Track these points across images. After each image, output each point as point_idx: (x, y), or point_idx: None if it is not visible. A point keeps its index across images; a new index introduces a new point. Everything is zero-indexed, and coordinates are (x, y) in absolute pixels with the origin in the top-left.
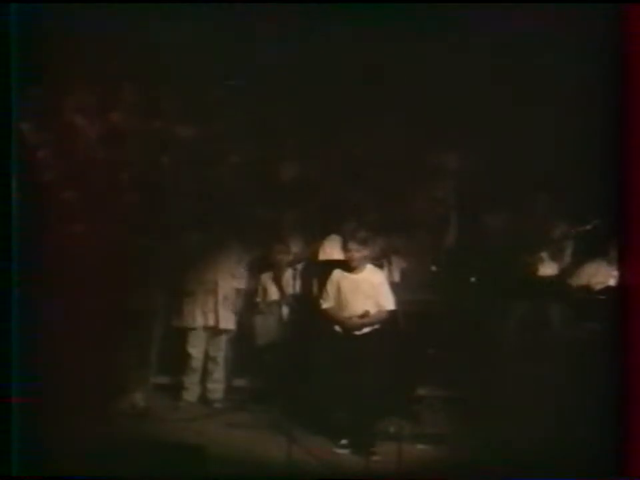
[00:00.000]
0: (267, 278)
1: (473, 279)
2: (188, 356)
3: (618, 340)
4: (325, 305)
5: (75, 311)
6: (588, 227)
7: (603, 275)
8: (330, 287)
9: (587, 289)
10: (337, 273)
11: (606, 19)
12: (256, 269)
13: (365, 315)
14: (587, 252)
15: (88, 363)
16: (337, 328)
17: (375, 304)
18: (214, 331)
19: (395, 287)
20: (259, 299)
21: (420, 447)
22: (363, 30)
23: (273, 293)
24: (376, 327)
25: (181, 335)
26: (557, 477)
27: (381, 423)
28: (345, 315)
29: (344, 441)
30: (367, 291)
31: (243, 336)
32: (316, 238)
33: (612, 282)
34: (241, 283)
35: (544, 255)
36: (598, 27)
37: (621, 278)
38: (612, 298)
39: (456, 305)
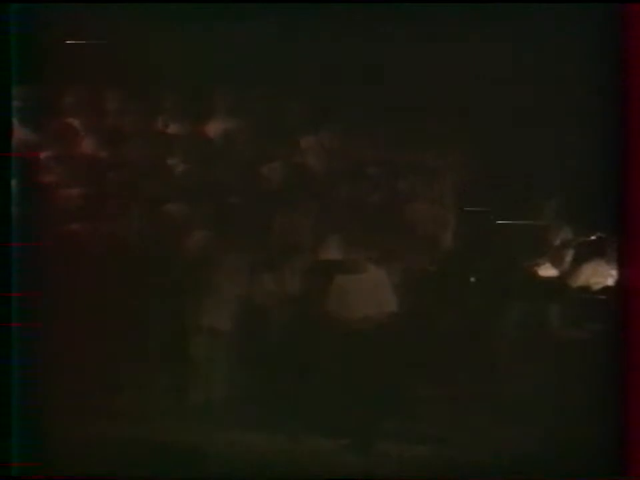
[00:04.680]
0: (267, 278)
1: (472, 279)
2: (187, 356)
3: (618, 340)
4: (327, 304)
5: (75, 311)
6: (591, 234)
7: (602, 275)
8: (332, 287)
9: (587, 289)
10: (342, 272)
11: (606, 19)
12: (256, 269)
13: (366, 318)
14: (588, 252)
15: (89, 362)
16: (337, 328)
17: (376, 305)
18: (214, 332)
19: (394, 287)
20: (258, 300)
21: (420, 446)
22: (363, 29)
23: (273, 293)
24: (376, 327)
25: (182, 336)
26: (557, 476)
27: (380, 423)
28: (345, 316)
29: (344, 441)
30: (368, 291)
31: (242, 336)
32: (316, 238)
33: (612, 282)
34: (241, 284)
35: (544, 255)
36: (598, 27)
37: (621, 278)
38: (612, 298)
39: (456, 304)
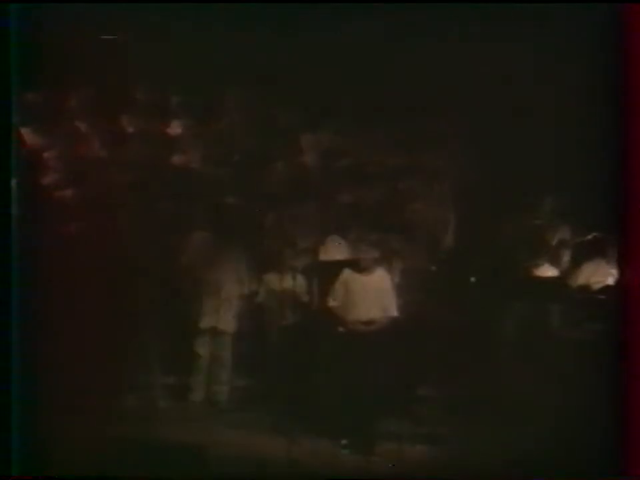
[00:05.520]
0: (271, 278)
1: (472, 279)
2: (189, 356)
3: (618, 340)
4: (332, 303)
5: (75, 311)
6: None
7: (602, 275)
8: (338, 286)
9: (586, 289)
10: (346, 273)
11: (606, 19)
12: (260, 270)
13: (371, 322)
14: (587, 252)
15: (88, 362)
16: (339, 328)
17: (380, 308)
18: (216, 332)
19: (395, 287)
20: (262, 300)
21: (420, 446)
22: (364, 30)
23: (276, 294)
24: (377, 327)
25: (183, 336)
26: (557, 477)
27: (380, 423)
28: (350, 317)
29: (344, 441)
30: (375, 294)
31: (244, 336)
32: (320, 238)
33: (612, 282)
34: (245, 284)
35: (544, 255)
36: (598, 27)
37: (621, 278)
38: (612, 298)
39: (456, 305)
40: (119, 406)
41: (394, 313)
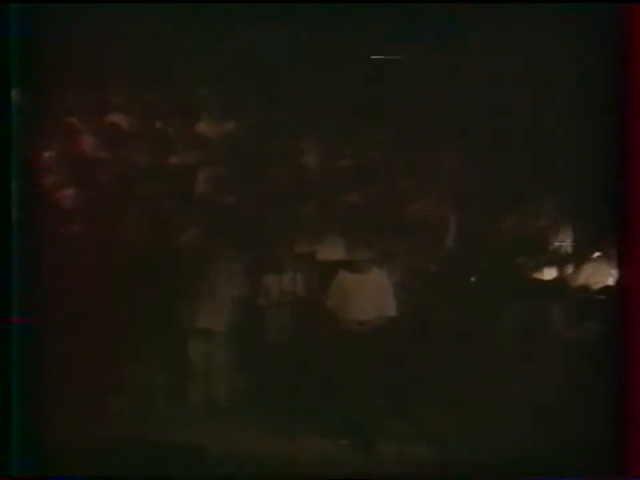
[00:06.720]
0: (268, 279)
1: (472, 279)
2: (189, 357)
3: (618, 340)
4: (328, 304)
5: (75, 312)
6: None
7: (602, 275)
8: (334, 287)
9: (586, 289)
10: (342, 273)
11: (606, 18)
12: (258, 270)
13: (366, 322)
14: (587, 252)
15: (88, 363)
16: (339, 329)
17: (377, 308)
18: (215, 333)
19: (395, 287)
20: (260, 301)
21: (420, 447)
22: (364, 30)
23: (274, 294)
24: (376, 327)
25: (183, 337)
26: (557, 477)
27: (380, 423)
28: (346, 317)
29: (344, 441)
30: (371, 293)
31: (244, 337)
32: (319, 239)
33: (612, 282)
34: (243, 285)
35: (544, 255)
36: (598, 27)
37: (621, 278)
38: (612, 298)
39: (456, 305)
40: (119, 406)
41: (393, 312)
